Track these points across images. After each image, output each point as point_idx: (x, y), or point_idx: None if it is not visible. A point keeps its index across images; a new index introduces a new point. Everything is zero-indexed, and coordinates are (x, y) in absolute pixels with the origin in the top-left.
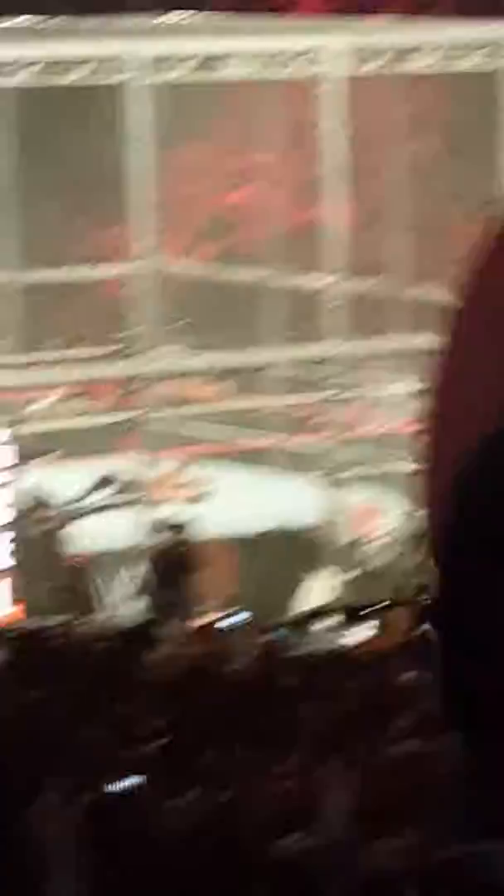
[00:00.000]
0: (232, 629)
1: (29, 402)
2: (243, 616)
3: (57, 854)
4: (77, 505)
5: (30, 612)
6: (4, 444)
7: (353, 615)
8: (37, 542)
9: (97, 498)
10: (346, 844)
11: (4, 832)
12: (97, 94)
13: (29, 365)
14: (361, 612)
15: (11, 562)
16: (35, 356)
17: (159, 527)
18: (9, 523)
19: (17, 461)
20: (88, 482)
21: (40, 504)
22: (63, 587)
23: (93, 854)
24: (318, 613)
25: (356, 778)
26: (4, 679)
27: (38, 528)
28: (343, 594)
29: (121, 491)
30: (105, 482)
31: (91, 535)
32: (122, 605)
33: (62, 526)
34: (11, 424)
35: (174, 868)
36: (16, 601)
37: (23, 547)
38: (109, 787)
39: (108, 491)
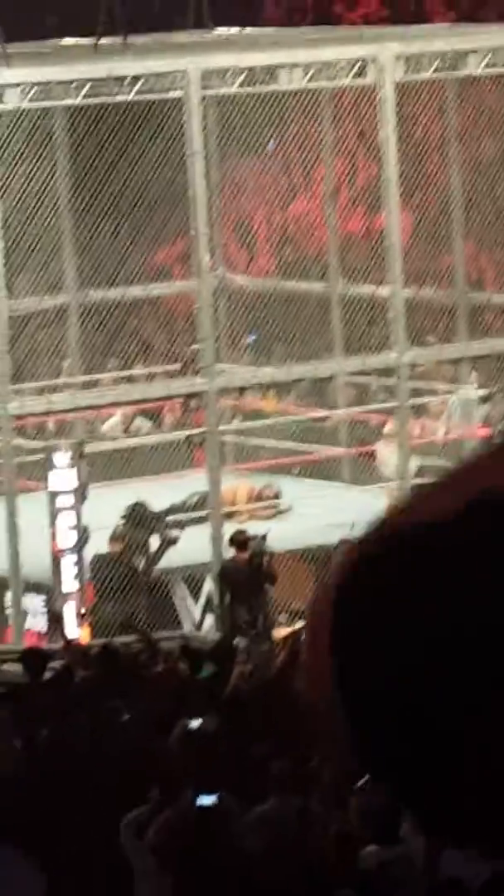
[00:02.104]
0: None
1: (93, 422)
2: None
3: (145, 864)
4: (174, 520)
5: (99, 631)
6: (69, 465)
7: None
8: (111, 561)
9: (172, 515)
10: (424, 855)
11: (97, 838)
12: (151, 111)
13: (91, 385)
14: None
15: (77, 584)
16: (97, 376)
17: (233, 542)
18: (77, 544)
19: (82, 482)
20: (160, 500)
21: (135, 518)
22: (140, 605)
23: (180, 864)
24: None
25: None
26: (88, 696)
27: (113, 545)
28: None
29: (194, 507)
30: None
31: (167, 552)
32: (199, 620)
33: (139, 544)
34: (76, 446)
35: (258, 879)
36: (82, 622)
37: (96, 566)
38: (194, 798)
39: (181, 507)
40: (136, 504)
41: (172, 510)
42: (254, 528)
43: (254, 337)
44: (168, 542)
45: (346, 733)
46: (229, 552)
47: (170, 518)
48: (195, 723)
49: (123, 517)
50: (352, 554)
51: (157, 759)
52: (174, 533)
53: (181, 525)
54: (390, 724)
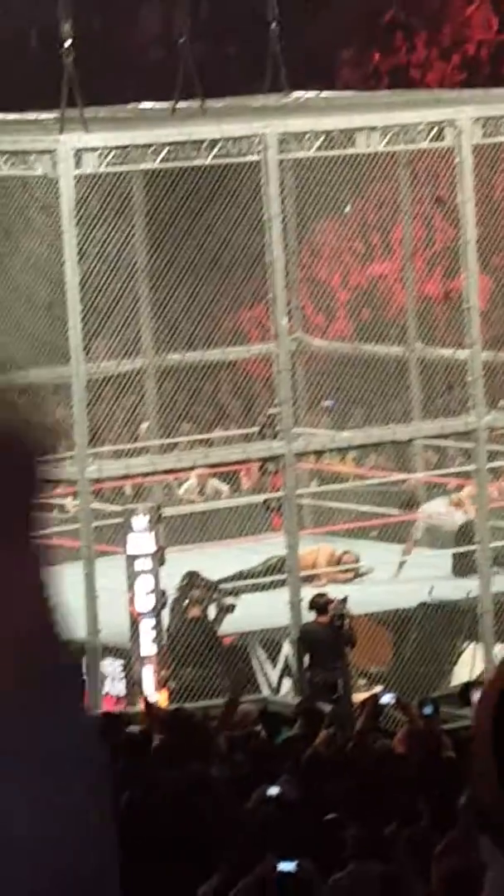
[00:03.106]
0: (387, 706)
1: (171, 485)
2: (392, 694)
3: None
4: (229, 586)
5: (178, 696)
6: (148, 529)
7: None
8: (188, 625)
9: (249, 579)
10: None
11: None
12: (228, 174)
13: (169, 448)
14: None
15: (155, 648)
16: (175, 440)
17: (314, 605)
18: (155, 608)
19: (160, 546)
20: (239, 564)
21: (192, 587)
22: (218, 669)
23: None
24: (473, 685)
25: None
26: (165, 760)
27: (191, 611)
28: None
29: (271, 570)
30: (258, 565)
31: (244, 616)
32: (277, 684)
33: (215, 608)
34: (154, 509)
35: None
36: (160, 686)
37: (173, 630)
38: (273, 864)
39: (258, 571)
40: (191, 573)
41: (232, 578)
42: (332, 591)
43: (332, 403)
44: (224, 610)
45: None
46: (307, 616)
47: (226, 586)
48: (274, 790)
49: (178, 587)
50: None
51: (235, 826)
52: (229, 601)
53: (237, 593)
54: None
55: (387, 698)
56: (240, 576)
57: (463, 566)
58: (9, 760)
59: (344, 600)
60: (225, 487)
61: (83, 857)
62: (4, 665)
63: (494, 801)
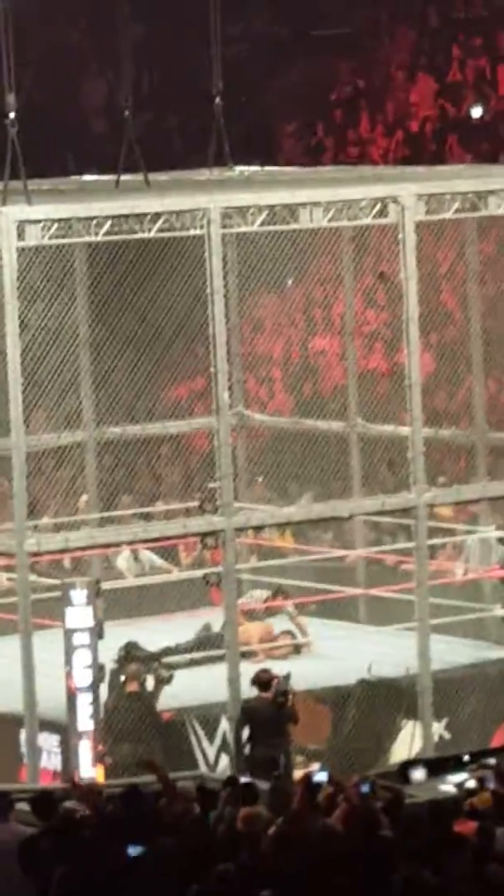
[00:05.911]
0: (324, 783)
1: (110, 559)
2: (325, 773)
3: None
4: (168, 660)
5: (115, 771)
6: (86, 603)
7: (442, 766)
8: (125, 700)
9: (188, 653)
10: None
11: None
12: (171, 247)
13: (108, 522)
14: (454, 762)
15: (92, 723)
16: (115, 513)
17: (257, 681)
18: (93, 683)
19: (98, 620)
20: (177, 637)
21: (129, 660)
22: (155, 744)
23: None
24: (410, 764)
25: None
26: (104, 836)
27: (128, 685)
28: (438, 742)
29: (210, 645)
30: (195, 638)
31: (182, 691)
32: (216, 761)
33: (153, 682)
34: (93, 583)
35: None
36: (96, 762)
37: (110, 705)
38: None
39: (197, 645)
40: (129, 644)
41: (169, 651)
42: (270, 667)
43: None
44: (161, 682)
45: None
46: (245, 692)
47: (166, 658)
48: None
49: (116, 660)
50: None
51: None
52: (165, 673)
53: (173, 666)
54: None
55: (320, 777)
56: (173, 650)
57: None
58: None
59: (287, 677)
60: (158, 559)
61: None
62: None
63: None
